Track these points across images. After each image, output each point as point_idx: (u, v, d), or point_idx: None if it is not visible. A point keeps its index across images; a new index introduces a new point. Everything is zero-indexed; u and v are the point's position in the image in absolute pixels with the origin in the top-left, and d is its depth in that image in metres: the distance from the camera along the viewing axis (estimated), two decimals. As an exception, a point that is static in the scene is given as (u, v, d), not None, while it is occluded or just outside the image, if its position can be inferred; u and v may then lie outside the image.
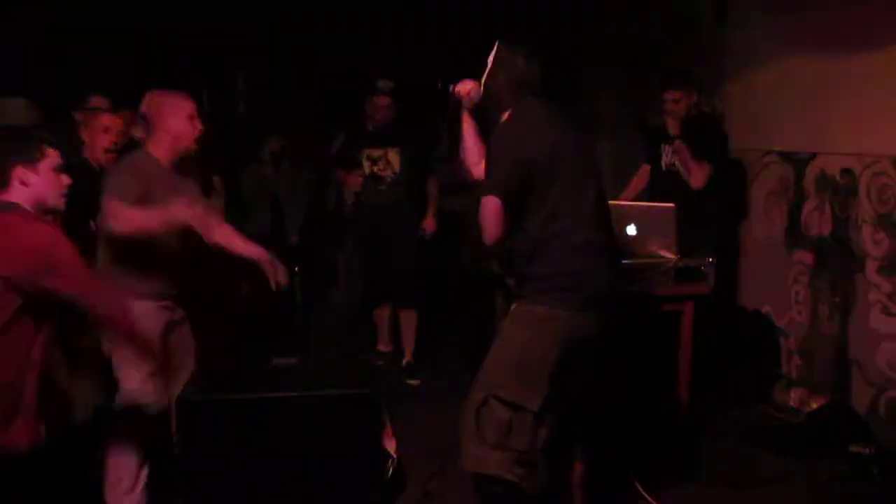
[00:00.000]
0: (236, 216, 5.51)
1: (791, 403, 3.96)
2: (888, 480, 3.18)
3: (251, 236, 5.61)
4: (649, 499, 3.00)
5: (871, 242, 3.50)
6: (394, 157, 4.41)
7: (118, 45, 5.10)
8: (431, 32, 5.66)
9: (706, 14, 4.57)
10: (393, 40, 5.68)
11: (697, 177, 3.82)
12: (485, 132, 2.68)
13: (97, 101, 3.73)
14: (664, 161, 4.00)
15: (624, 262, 3.18)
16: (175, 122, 2.74)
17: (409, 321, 4.55)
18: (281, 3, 5.73)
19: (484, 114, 2.65)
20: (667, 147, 3.98)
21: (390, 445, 3.03)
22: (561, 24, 5.70)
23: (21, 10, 4.56)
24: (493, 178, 2.40)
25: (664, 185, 3.96)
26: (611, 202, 3.72)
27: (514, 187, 2.37)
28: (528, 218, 2.41)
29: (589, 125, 5.92)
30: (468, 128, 2.72)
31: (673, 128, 3.89)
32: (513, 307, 2.50)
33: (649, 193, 4.10)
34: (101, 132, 3.33)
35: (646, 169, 4.15)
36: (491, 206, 2.37)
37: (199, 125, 2.80)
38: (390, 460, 2.98)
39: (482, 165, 2.57)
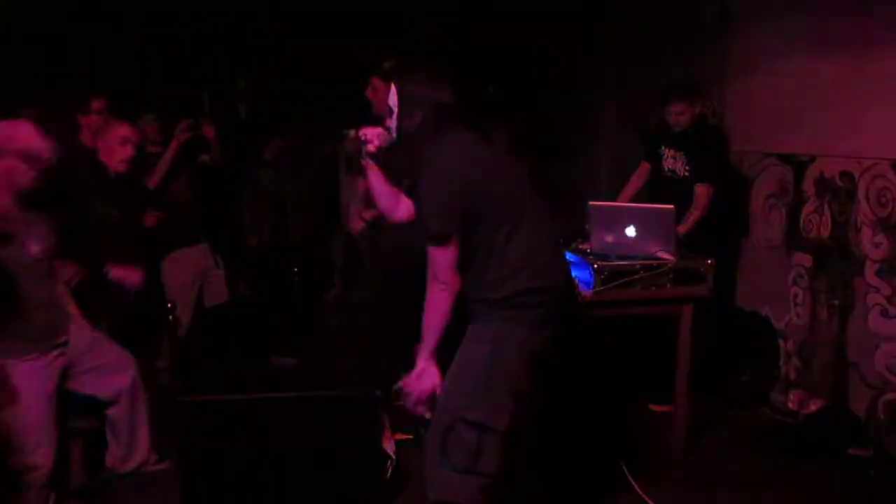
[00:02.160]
0: (238, 218, 5.57)
1: (790, 405, 3.96)
2: (886, 483, 3.19)
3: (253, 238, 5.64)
4: (648, 500, 3.00)
5: (869, 245, 3.50)
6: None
7: (118, 45, 5.11)
8: (436, 37, 5.67)
9: (708, 16, 4.58)
10: (399, 42, 5.69)
11: (702, 209, 3.80)
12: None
13: (97, 103, 3.74)
14: (665, 164, 4.01)
15: (623, 262, 3.20)
16: None
17: None
18: (283, 4, 5.74)
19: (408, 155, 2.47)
20: (667, 150, 3.99)
21: (390, 447, 3.03)
22: (561, 23, 5.71)
23: (19, 4, 4.56)
24: (436, 226, 2.27)
25: (664, 187, 3.96)
26: (610, 203, 3.79)
27: (458, 224, 2.26)
28: (469, 241, 2.31)
29: (589, 125, 5.95)
30: (375, 175, 2.58)
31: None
32: (469, 328, 2.37)
33: (648, 194, 4.11)
34: (118, 143, 3.42)
35: (645, 167, 4.15)
36: (443, 257, 2.26)
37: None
38: (389, 461, 2.98)
39: (401, 206, 2.56)
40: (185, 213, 4.19)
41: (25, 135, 2.52)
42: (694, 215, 3.76)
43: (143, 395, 3.01)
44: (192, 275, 4.25)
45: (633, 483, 3.05)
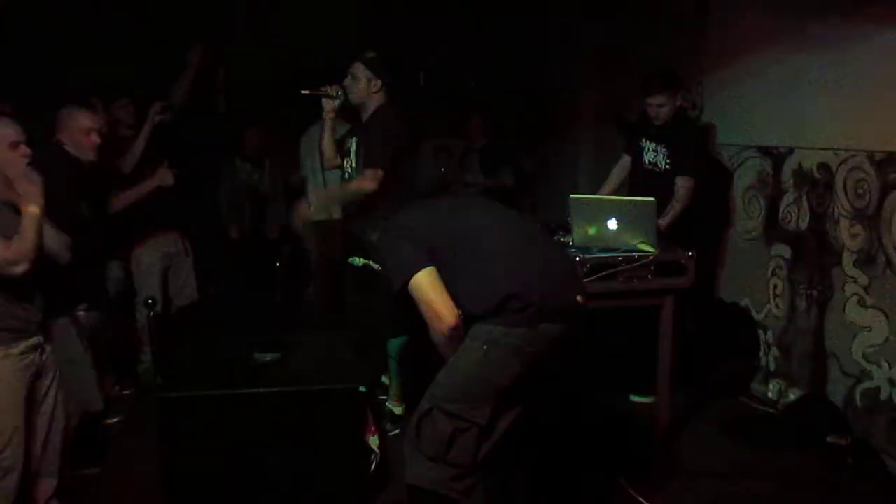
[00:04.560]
0: (217, 211, 5.51)
1: (769, 395, 4.01)
2: (864, 470, 3.24)
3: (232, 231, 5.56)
4: (629, 490, 3.02)
5: (847, 236, 3.54)
6: (354, 148, 3.63)
7: (96, 38, 5.04)
8: (414, 27, 5.65)
9: (687, 9, 4.60)
10: (377, 36, 5.66)
11: (683, 202, 3.80)
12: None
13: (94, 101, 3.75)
14: (646, 157, 4.02)
15: (605, 255, 3.21)
16: None
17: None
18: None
19: None
20: (648, 143, 4.00)
21: (374, 441, 3.02)
22: (542, 19, 5.72)
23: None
24: (401, 262, 2.31)
25: (645, 181, 3.98)
26: (592, 196, 3.80)
27: (417, 257, 2.30)
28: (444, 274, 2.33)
29: (570, 118, 5.96)
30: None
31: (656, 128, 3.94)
32: (471, 328, 2.34)
33: (629, 188, 4.12)
34: (84, 134, 3.38)
35: (626, 159, 4.16)
36: (422, 282, 2.26)
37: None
38: (373, 456, 2.97)
39: None
40: (157, 199, 4.15)
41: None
42: (675, 208, 3.77)
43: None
44: (158, 258, 4.22)
45: (619, 476, 3.06)
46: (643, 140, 4.02)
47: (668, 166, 3.92)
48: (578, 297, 2.38)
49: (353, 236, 3.42)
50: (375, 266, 2.77)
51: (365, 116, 3.58)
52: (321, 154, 3.76)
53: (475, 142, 5.60)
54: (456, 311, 2.27)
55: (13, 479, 2.55)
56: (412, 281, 2.27)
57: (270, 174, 5.67)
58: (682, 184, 3.82)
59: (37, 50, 4.68)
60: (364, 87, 3.51)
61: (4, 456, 2.52)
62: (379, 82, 3.51)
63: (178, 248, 4.35)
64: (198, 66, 4.52)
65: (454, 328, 2.28)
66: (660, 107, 3.86)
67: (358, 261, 3.20)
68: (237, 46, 5.85)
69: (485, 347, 2.27)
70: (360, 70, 3.51)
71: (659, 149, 3.95)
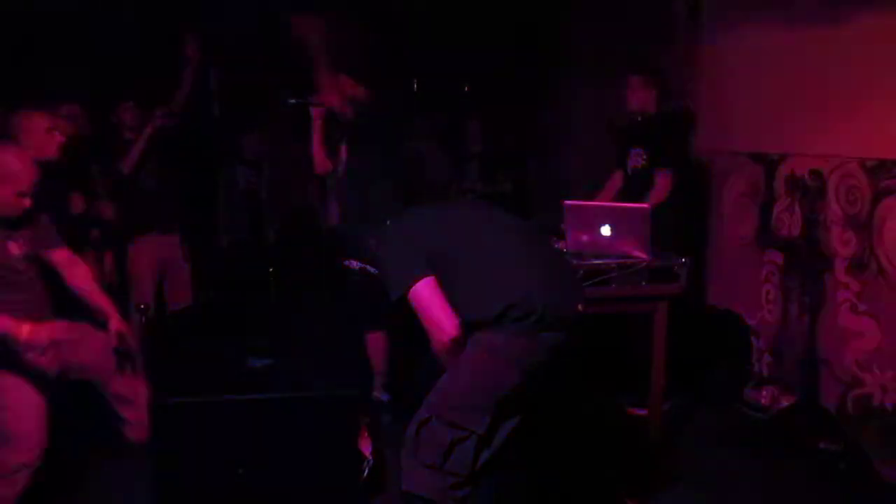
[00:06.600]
0: (213, 216, 5.52)
1: (762, 401, 4.01)
2: (856, 476, 3.25)
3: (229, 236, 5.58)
4: (624, 497, 3.02)
5: (839, 242, 3.55)
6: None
7: (90, 40, 5.04)
8: (407, 29, 5.66)
9: (680, 16, 4.62)
10: (371, 39, 5.67)
11: (658, 193, 3.84)
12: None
13: (71, 108, 3.73)
14: (629, 164, 4.05)
15: (597, 262, 3.22)
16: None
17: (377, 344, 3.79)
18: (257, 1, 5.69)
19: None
20: (632, 150, 4.03)
21: (366, 447, 3.02)
22: (536, 24, 5.73)
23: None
24: (400, 270, 2.29)
25: (632, 187, 4.01)
26: (585, 202, 3.80)
27: (417, 265, 2.27)
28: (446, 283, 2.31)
29: (564, 124, 5.97)
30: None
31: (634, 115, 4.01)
32: (472, 335, 2.32)
33: (620, 196, 4.14)
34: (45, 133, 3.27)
35: (619, 174, 4.18)
36: (423, 292, 2.24)
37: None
38: (366, 462, 2.97)
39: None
40: (155, 200, 4.16)
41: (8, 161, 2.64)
42: (650, 201, 3.75)
43: None
44: (155, 262, 4.22)
45: (611, 482, 3.06)
46: (630, 149, 4.06)
47: (645, 162, 3.96)
48: (579, 307, 2.37)
49: (351, 239, 3.44)
50: (372, 269, 2.77)
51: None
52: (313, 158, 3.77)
53: (473, 147, 5.61)
54: (457, 320, 2.25)
55: (25, 475, 2.62)
56: (412, 291, 2.25)
57: (269, 178, 5.68)
58: (658, 177, 3.85)
59: (37, 50, 4.69)
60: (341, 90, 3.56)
61: (22, 453, 2.58)
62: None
63: (176, 254, 4.35)
64: (198, 59, 4.43)
65: (455, 339, 2.25)
66: (633, 91, 3.94)
67: (355, 264, 3.19)
68: (232, 48, 5.85)
69: (485, 357, 2.26)
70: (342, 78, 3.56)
71: (641, 152, 4.00)
